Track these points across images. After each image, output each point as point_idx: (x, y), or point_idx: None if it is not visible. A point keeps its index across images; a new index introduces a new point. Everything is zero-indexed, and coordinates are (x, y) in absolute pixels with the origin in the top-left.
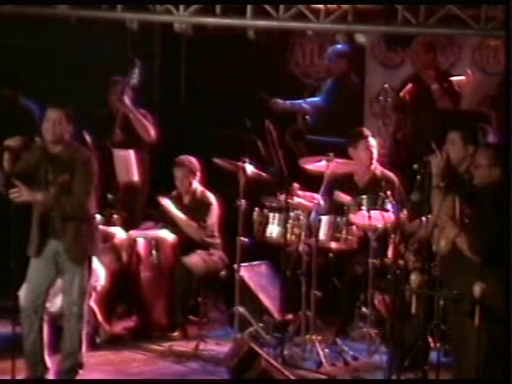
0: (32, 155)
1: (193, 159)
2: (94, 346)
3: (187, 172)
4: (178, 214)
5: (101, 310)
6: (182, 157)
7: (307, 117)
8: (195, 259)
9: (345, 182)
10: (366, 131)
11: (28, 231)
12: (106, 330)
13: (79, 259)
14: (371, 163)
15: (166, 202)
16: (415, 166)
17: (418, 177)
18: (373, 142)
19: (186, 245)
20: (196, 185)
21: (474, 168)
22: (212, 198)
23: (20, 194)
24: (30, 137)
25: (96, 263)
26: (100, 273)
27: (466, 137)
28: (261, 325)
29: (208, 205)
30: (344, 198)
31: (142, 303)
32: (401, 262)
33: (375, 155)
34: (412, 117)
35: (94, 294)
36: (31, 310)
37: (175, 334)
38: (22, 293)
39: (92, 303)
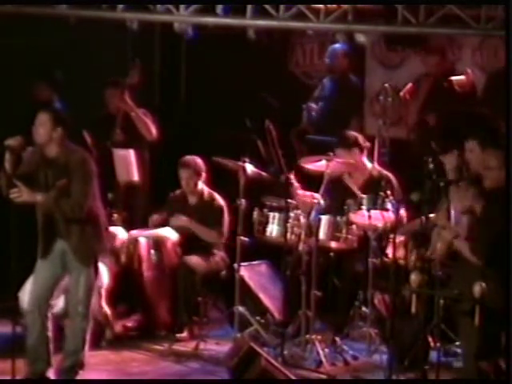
0: (33, 158)
1: (198, 160)
2: (97, 346)
3: (193, 173)
4: (200, 228)
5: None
6: (187, 157)
7: (313, 113)
8: (197, 259)
9: (341, 182)
10: (362, 140)
11: (28, 232)
12: (115, 329)
13: (86, 259)
14: (364, 168)
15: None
16: (431, 166)
17: (433, 176)
18: (366, 160)
19: (188, 245)
20: (202, 185)
21: (485, 170)
22: (222, 201)
23: (20, 194)
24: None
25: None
26: (103, 274)
27: (483, 143)
28: (262, 321)
29: (220, 209)
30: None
31: (145, 303)
32: (401, 261)
33: (366, 162)
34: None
35: (103, 294)
36: (35, 307)
37: (183, 334)
38: (24, 293)
39: (104, 305)
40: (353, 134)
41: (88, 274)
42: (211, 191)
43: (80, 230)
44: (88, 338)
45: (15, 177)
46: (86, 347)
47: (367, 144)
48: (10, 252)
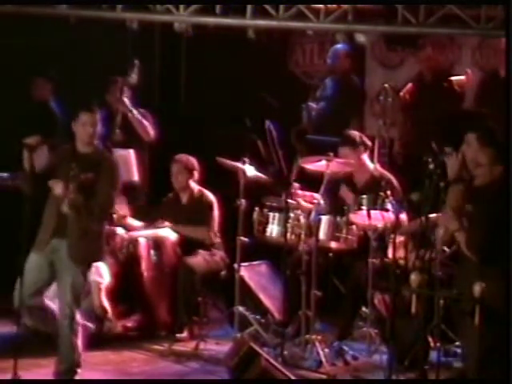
0: (56, 155)
1: (191, 158)
2: (98, 345)
3: (182, 168)
4: (185, 229)
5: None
6: (180, 154)
7: (313, 113)
8: (197, 259)
9: (344, 182)
10: (366, 140)
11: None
12: (115, 324)
13: (80, 259)
14: (366, 168)
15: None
16: (431, 166)
17: (434, 177)
18: (368, 161)
19: (188, 245)
20: (193, 184)
21: (474, 166)
22: (211, 196)
23: (57, 186)
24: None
25: (99, 262)
26: (104, 271)
27: (482, 138)
28: (262, 321)
29: (209, 205)
30: (348, 195)
31: (145, 303)
32: (401, 261)
33: (368, 163)
34: (414, 116)
35: (103, 289)
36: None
37: (183, 334)
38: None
39: (104, 299)
40: (357, 133)
41: (78, 277)
42: (201, 188)
43: (85, 228)
44: (84, 339)
45: (35, 174)
46: (80, 348)
47: (370, 143)
48: (21, 253)
